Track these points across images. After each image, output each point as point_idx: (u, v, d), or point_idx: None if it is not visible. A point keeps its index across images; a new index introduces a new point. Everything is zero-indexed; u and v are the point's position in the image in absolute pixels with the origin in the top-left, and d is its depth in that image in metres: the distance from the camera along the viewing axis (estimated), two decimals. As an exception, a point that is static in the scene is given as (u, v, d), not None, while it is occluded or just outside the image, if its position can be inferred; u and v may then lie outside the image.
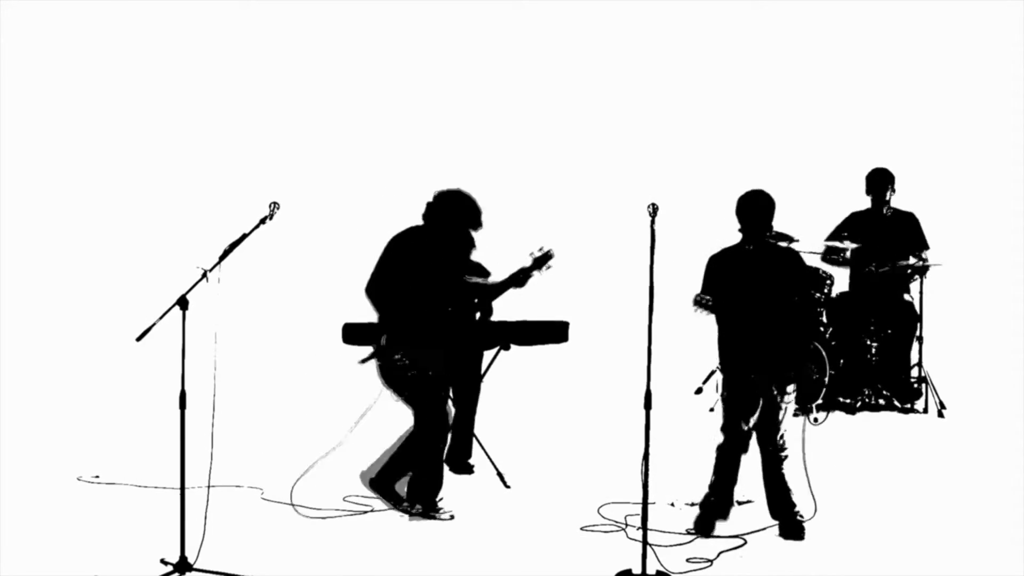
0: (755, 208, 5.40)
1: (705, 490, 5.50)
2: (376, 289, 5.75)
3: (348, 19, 10.16)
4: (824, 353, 8.07)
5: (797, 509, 5.36)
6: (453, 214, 5.79)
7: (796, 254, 5.56)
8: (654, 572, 4.75)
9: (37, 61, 9.85)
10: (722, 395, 5.46)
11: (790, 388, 5.36)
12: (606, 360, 8.99)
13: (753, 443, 5.43)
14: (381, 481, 5.93)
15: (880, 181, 8.65)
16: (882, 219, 8.66)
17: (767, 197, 5.44)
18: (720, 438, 5.45)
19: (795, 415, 5.49)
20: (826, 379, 5.27)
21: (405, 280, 5.69)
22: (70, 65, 9.86)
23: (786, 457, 5.39)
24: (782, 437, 5.38)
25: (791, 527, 5.35)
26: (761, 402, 5.37)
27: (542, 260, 6.01)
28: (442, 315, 5.74)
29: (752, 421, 5.38)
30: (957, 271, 9.14)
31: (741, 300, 5.40)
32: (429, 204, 5.85)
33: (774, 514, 5.41)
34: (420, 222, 5.86)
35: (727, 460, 5.44)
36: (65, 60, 9.86)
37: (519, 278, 6.01)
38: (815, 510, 5.41)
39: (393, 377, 5.75)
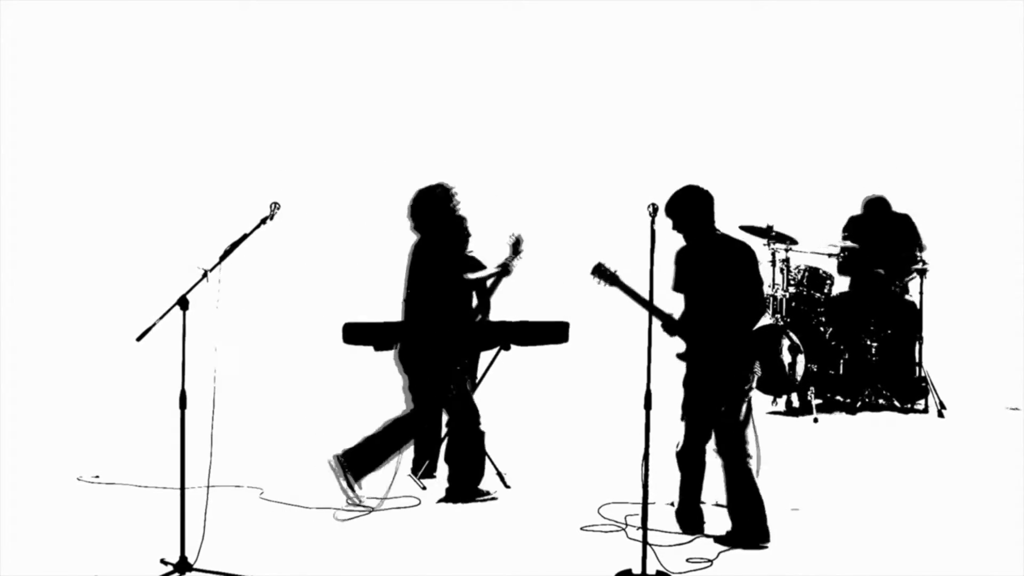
0: (686, 206, 5.32)
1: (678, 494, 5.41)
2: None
3: (348, 19, 10.16)
4: (793, 339, 8.05)
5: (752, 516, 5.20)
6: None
7: (748, 247, 5.39)
8: (654, 572, 4.75)
9: (37, 61, 9.86)
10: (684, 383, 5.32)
11: (751, 384, 5.26)
12: (606, 360, 8.99)
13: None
14: (355, 460, 5.86)
15: (879, 211, 8.66)
16: (880, 222, 8.67)
17: (695, 192, 5.34)
18: (679, 444, 5.34)
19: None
20: (787, 357, 5.13)
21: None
22: (70, 65, 9.87)
23: (746, 462, 5.19)
24: (742, 443, 5.20)
25: (742, 535, 5.21)
26: (722, 408, 5.23)
27: (516, 245, 6.18)
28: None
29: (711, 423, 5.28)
30: (957, 271, 9.15)
31: (702, 293, 5.32)
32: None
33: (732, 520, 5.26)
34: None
35: (688, 462, 5.32)
36: (65, 60, 9.87)
37: (504, 268, 6.18)
38: (758, 468, 5.27)
39: (418, 364, 5.91)
